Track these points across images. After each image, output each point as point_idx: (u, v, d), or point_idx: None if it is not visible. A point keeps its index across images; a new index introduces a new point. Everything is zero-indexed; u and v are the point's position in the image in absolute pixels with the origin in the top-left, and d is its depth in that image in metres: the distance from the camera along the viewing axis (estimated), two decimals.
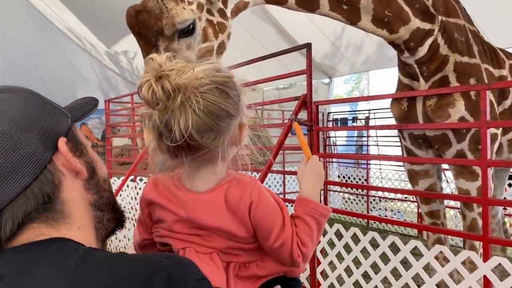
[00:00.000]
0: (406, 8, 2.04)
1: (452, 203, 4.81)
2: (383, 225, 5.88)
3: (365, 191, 6.66)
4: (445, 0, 2.17)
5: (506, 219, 4.02)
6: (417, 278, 1.90)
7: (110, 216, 0.81)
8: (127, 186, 4.06)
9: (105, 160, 5.87)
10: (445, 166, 3.57)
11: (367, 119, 7.34)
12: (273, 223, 0.97)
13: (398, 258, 1.96)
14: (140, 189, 3.88)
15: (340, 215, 6.44)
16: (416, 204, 5.55)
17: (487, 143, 1.67)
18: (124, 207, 3.85)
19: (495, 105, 2.22)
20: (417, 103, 2.22)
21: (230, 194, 0.96)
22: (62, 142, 0.72)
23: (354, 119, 8.07)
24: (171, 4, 1.59)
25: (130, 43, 6.55)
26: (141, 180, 4.04)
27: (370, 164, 6.92)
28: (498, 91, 2.26)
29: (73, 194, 0.73)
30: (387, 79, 6.51)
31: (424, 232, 4.82)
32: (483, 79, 2.16)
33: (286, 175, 6.47)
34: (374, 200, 6.77)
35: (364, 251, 2.12)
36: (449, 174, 4.70)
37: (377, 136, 7.11)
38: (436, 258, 1.89)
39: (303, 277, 2.51)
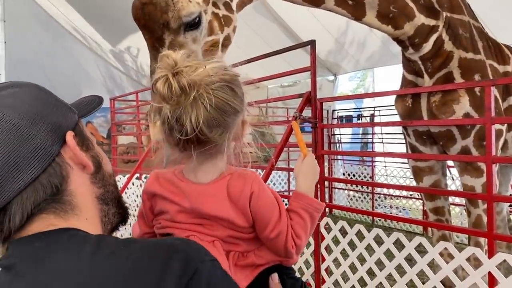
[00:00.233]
0: (411, 4, 2.03)
1: (457, 200, 4.79)
2: (388, 222, 5.87)
3: (370, 188, 6.64)
4: None
5: None
6: (421, 275, 1.90)
7: (115, 211, 0.83)
8: (132, 184, 4.08)
9: (111, 158, 5.90)
10: (450, 163, 3.56)
11: (372, 116, 7.31)
12: (271, 214, 1.03)
13: (403, 255, 1.96)
14: None
15: (345, 212, 6.44)
16: (421, 201, 5.53)
17: (491, 139, 1.67)
18: (130, 204, 3.88)
19: (500, 101, 2.21)
20: (421, 99, 2.22)
21: (232, 186, 1.02)
22: (70, 136, 0.73)
23: (359, 117, 8.03)
24: None
25: (135, 42, 6.58)
26: (146, 178, 4.06)
27: (375, 161, 6.90)
28: (503, 87, 2.25)
29: (80, 187, 0.74)
30: (392, 76, 6.48)
31: (429, 229, 4.81)
32: (487, 75, 2.15)
33: (291, 172, 6.47)
34: (379, 197, 6.76)
35: (369, 248, 2.12)
36: (454, 172, 4.69)
37: (382, 134, 7.08)
38: (441, 254, 1.89)
39: (308, 274, 2.51)
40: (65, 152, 0.72)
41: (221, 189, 1.02)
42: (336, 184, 6.90)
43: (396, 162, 6.58)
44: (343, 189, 7.05)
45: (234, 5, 1.80)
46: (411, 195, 6.12)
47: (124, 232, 3.55)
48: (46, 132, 0.70)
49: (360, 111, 8.05)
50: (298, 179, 1.18)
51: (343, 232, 2.29)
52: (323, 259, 2.38)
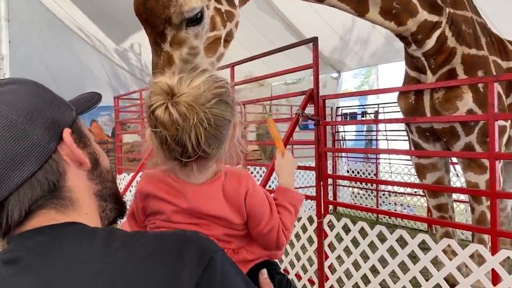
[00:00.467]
0: (414, 0, 2.03)
1: (462, 197, 4.78)
2: (392, 220, 5.86)
3: (374, 185, 6.64)
4: None
5: None
6: (425, 272, 1.90)
7: (113, 206, 0.84)
8: (137, 182, 4.10)
9: (115, 157, 5.93)
10: (454, 159, 3.55)
11: (376, 113, 7.29)
12: (264, 211, 1.10)
13: (406, 252, 1.96)
14: None
15: (350, 209, 6.43)
16: (425, 198, 5.51)
17: (495, 135, 1.67)
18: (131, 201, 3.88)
19: (503, 97, 2.20)
20: (424, 96, 2.21)
21: (227, 185, 1.07)
22: (67, 133, 0.74)
23: (363, 114, 8.01)
24: None
25: (138, 40, 6.60)
26: None
27: (379, 158, 6.89)
28: (506, 83, 2.24)
29: (78, 183, 0.75)
30: (396, 73, 6.44)
31: (434, 226, 4.80)
32: (491, 71, 2.14)
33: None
34: (383, 194, 6.75)
35: (372, 245, 2.12)
36: (459, 168, 4.67)
37: (386, 131, 7.07)
38: (444, 251, 1.89)
39: (311, 271, 2.52)
40: (62, 149, 0.73)
41: (216, 189, 1.06)
42: (340, 182, 6.90)
43: (401, 159, 6.56)
44: (347, 186, 7.04)
45: (236, 0, 1.80)
46: (415, 192, 6.11)
47: None
48: (43, 129, 0.70)
49: (364, 108, 8.03)
50: (281, 174, 1.26)
51: (346, 230, 2.30)
52: (326, 257, 2.39)
